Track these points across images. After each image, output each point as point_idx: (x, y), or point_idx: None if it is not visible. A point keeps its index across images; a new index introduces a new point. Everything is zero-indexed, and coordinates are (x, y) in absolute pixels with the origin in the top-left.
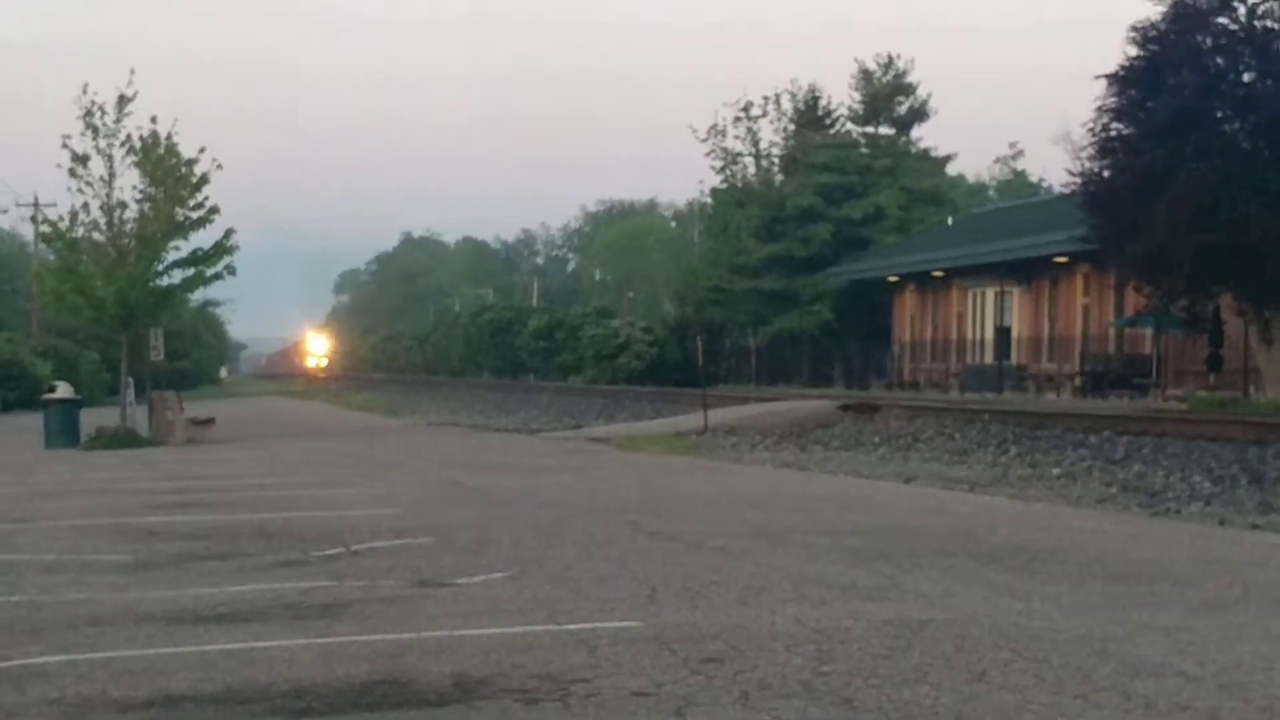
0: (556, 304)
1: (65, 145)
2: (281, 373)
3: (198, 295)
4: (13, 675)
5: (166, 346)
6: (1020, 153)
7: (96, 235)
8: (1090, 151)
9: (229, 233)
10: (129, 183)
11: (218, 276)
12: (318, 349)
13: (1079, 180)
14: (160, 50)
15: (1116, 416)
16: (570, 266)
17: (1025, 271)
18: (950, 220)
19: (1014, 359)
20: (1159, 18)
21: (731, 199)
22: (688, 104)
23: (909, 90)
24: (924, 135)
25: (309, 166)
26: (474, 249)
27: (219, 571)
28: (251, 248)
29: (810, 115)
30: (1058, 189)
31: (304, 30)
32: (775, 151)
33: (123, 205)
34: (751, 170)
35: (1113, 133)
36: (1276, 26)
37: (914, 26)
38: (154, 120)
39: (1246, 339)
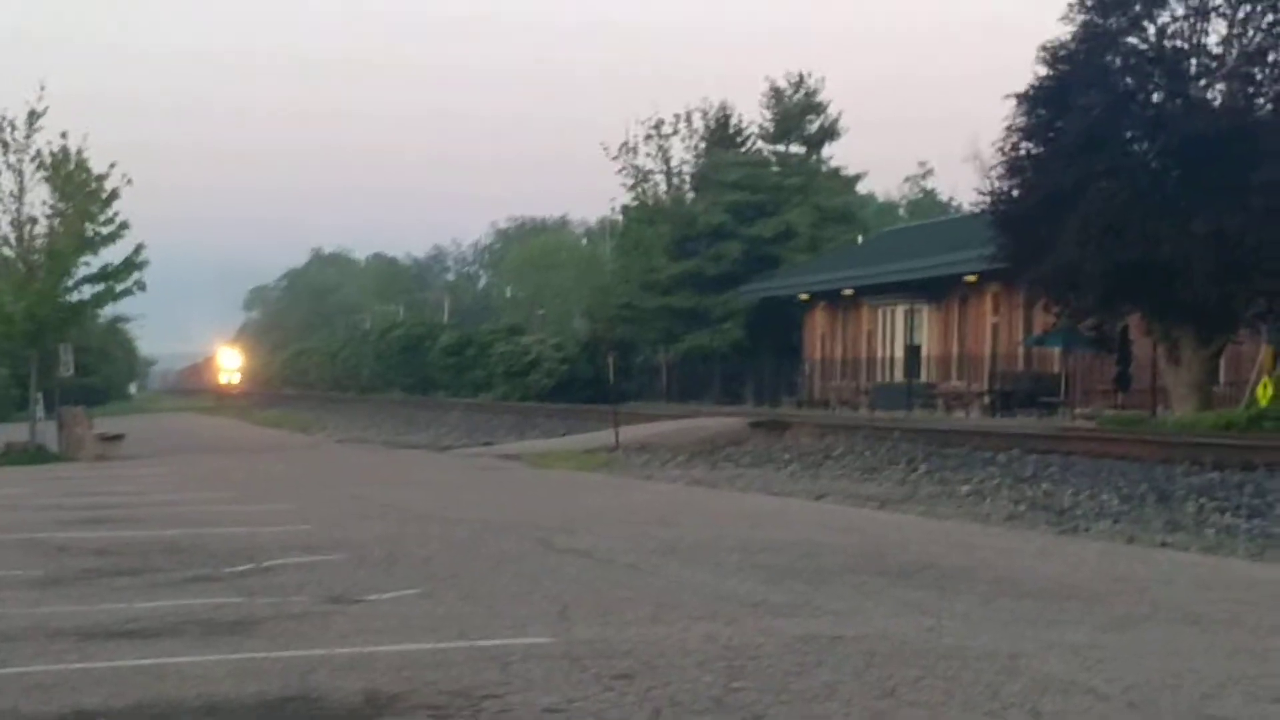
0: (467, 321)
1: None
2: (192, 388)
3: (107, 311)
4: None
5: (76, 362)
6: (930, 171)
7: (6, 250)
8: (999, 170)
9: (139, 248)
10: (39, 198)
11: (128, 292)
12: (229, 364)
13: (988, 199)
14: (70, 58)
15: (1025, 435)
16: (481, 283)
17: (935, 290)
18: (860, 239)
19: (924, 377)
20: (1069, 38)
21: (643, 216)
22: (599, 122)
23: (820, 109)
24: (834, 154)
25: (218, 182)
26: (384, 266)
27: (130, 587)
28: (161, 263)
29: (721, 133)
30: (967, 208)
31: (213, 47)
32: (686, 169)
33: (32, 220)
34: (663, 188)
35: (1022, 152)
36: (1185, 47)
37: (824, 45)
38: (64, 136)
39: (1155, 358)
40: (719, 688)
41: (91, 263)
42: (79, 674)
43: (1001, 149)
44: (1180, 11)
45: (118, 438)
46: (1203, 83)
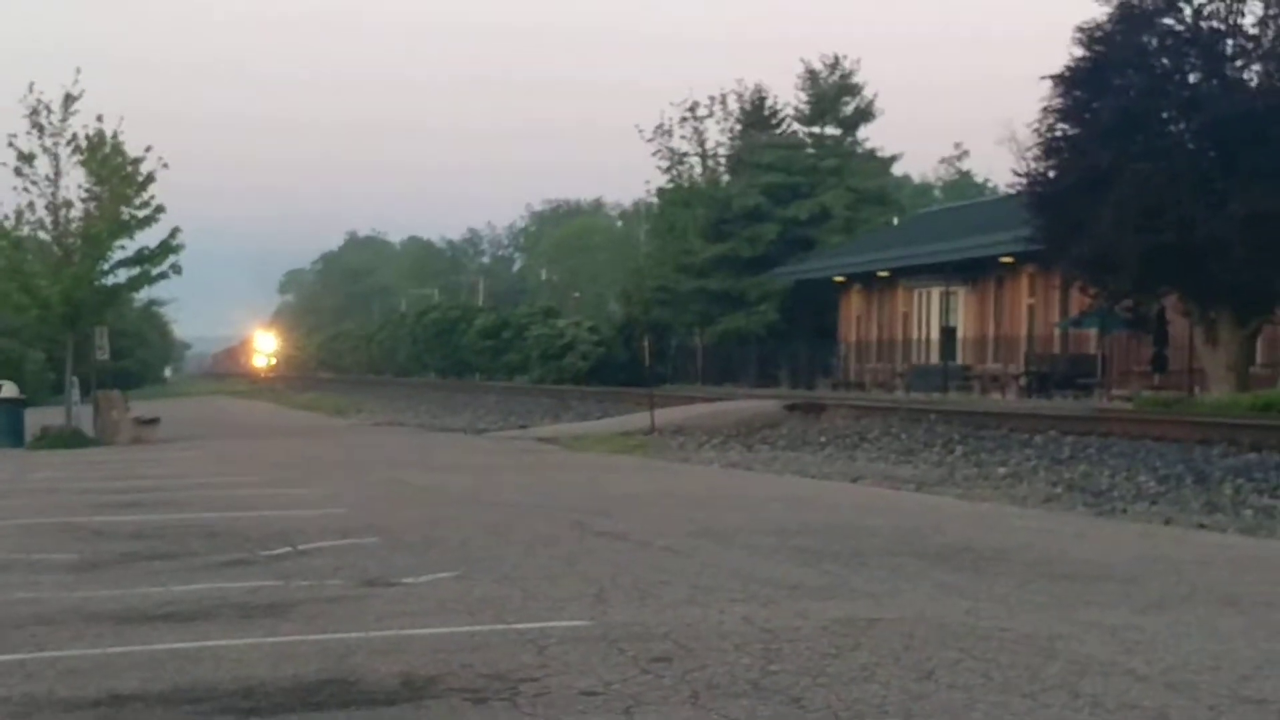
0: (502, 304)
1: (11, 144)
2: (227, 372)
3: (143, 294)
4: None
5: (112, 346)
6: (965, 153)
7: (42, 234)
8: (1036, 152)
9: (174, 231)
10: (75, 181)
11: (163, 275)
12: (266, 347)
13: (1024, 181)
14: (106, 50)
15: (1062, 417)
16: (516, 266)
17: (971, 272)
18: (896, 220)
19: (959, 359)
20: (1105, 19)
21: (678, 199)
22: (634, 105)
23: (855, 90)
24: (870, 135)
25: (254, 166)
26: (419, 248)
27: (166, 571)
28: (196, 247)
29: (756, 115)
30: (1003, 189)
31: (251, 31)
32: (721, 151)
33: (68, 204)
34: (698, 170)
35: (1058, 133)
36: (1222, 28)
37: (860, 28)
38: (100, 119)
39: (1191, 339)
40: (756, 670)
41: (127, 246)
42: (115, 657)
43: (1038, 130)
44: None
45: (153, 421)
46: (1239, 63)
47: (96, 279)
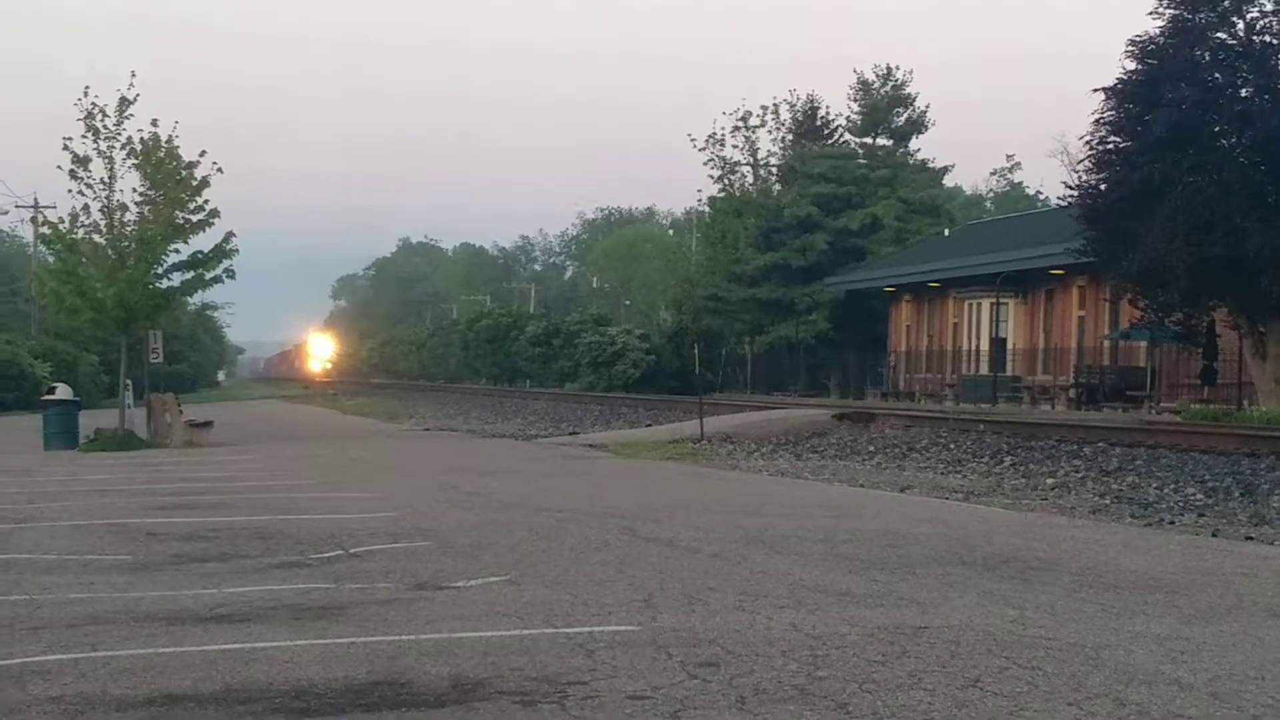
0: (554, 311)
1: (66, 147)
2: (279, 376)
3: (196, 298)
4: (14, 673)
5: (165, 349)
6: (1017, 165)
7: (97, 237)
8: (1087, 164)
9: (229, 236)
10: (129, 185)
11: (217, 280)
12: (322, 352)
13: (1076, 193)
14: (167, 70)
15: (1110, 428)
16: (568, 274)
17: (1021, 283)
18: (947, 231)
19: (1009, 370)
20: (1157, 32)
21: (729, 208)
22: (687, 115)
23: (907, 101)
24: (921, 147)
25: (309, 171)
26: (472, 255)
27: (218, 573)
28: (250, 252)
29: (808, 125)
30: (1054, 202)
31: (304, 50)
32: (773, 161)
33: (123, 207)
34: (749, 180)
35: (1110, 146)
36: (1275, 42)
37: (914, 46)
38: (155, 123)
39: (1241, 352)
40: (803, 676)
41: (181, 250)
42: (168, 658)
43: (1089, 143)
44: (1269, 6)
45: (207, 424)
46: None
47: (150, 282)
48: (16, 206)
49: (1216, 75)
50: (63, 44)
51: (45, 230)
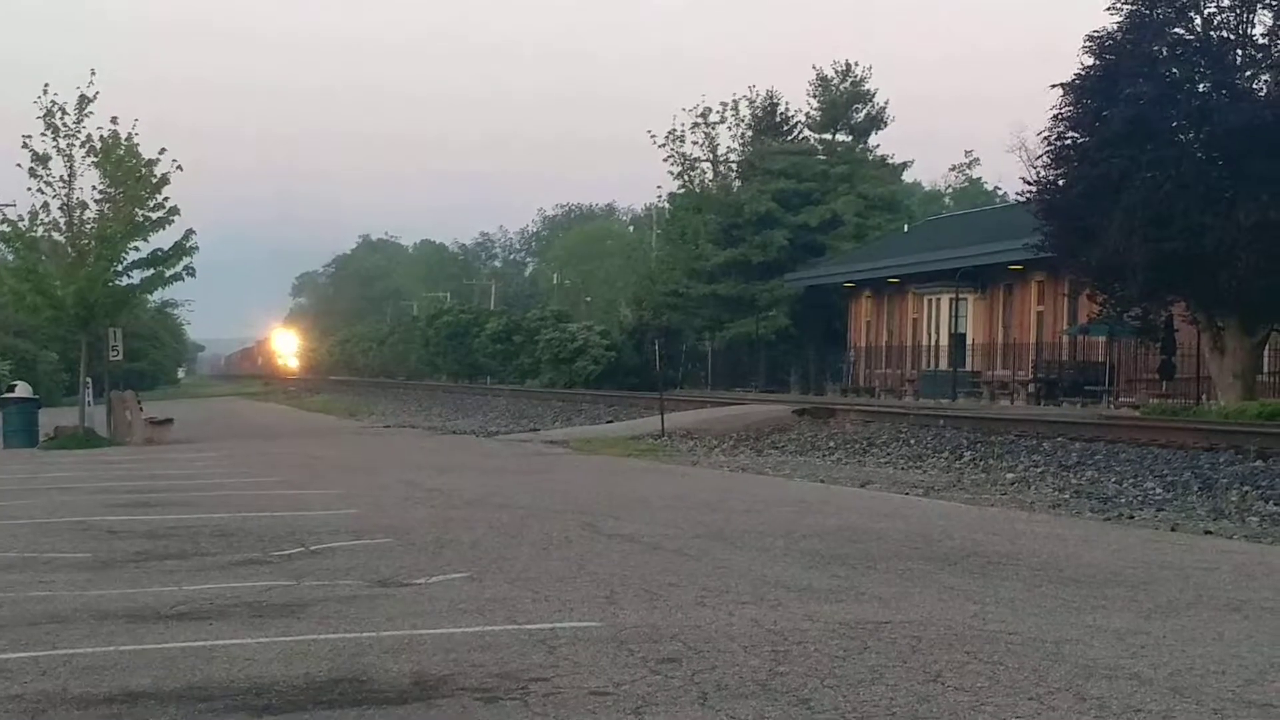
0: (514, 307)
1: (25, 145)
2: (240, 374)
3: (156, 296)
4: None
5: (125, 347)
6: (975, 161)
7: (56, 235)
8: (1046, 160)
9: (188, 233)
10: (89, 183)
11: (177, 277)
12: (286, 348)
13: (1034, 188)
14: (124, 60)
15: (1070, 423)
16: (528, 270)
17: (980, 278)
18: (906, 227)
19: (968, 365)
20: (1115, 27)
21: (689, 204)
22: (648, 117)
23: (866, 97)
24: (881, 143)
25: (267, 169)
26: (432, 252)
27: (179, 570)
28: (210, 249)
29: (768, 122)
30: (1013, 197)
31: (265, 43)
32: (733, 157)
33: (83, 205)
34: (709, 176)
35: (1068, 141)
36: (1232, 37)
37: (873, 41)
38: (114, 121)
39: (1199, 347)
40: (765, 672)
41: (141, 248)
42: (129, 656)
43: (1047, 138)
44: (1226, 2)
45: (167, 422)
46: (1249, 73)
47: (110, 280)
48: None
49: (1174, 70)
50: (21, 41)
51: (4, 228)
